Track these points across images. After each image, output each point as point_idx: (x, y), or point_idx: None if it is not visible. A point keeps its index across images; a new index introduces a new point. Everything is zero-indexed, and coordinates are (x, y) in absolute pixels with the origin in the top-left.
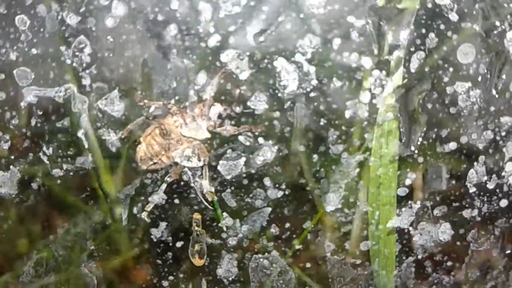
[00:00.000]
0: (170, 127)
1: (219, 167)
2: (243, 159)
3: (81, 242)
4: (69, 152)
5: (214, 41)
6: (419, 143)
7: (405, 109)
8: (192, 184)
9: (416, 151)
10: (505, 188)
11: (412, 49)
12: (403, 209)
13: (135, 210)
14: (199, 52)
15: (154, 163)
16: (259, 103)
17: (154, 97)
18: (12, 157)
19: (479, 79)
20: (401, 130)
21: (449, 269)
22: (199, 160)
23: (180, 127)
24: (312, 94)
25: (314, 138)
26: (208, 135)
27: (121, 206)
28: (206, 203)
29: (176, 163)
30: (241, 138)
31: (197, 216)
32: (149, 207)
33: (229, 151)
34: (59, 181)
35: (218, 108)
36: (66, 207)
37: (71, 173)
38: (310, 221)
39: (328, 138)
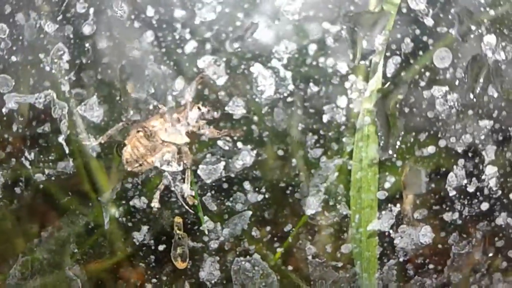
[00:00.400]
0: (155, 129)
1: (199, 172)
2: (223, 163)
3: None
4: (51, 157)
5: (190, 47)
6: (397, 147)
7: (383, 113)
8: (172, 188)
9: (394, 155)
10: (486, 191)
11: (388, 54)
12: (383, 212)
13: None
14: (176, 58)
15: (140, 165)
16: (237, 108)
17: (132, 103)
18: None
19: (456, 83)
20: (379, 134)
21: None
22: (179, 165)
23: (164, 131)
24: (289, 99)
25: (292, 142)
26: (187, 140)
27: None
28: (187, 207)
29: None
30: (220, 142)
31: (178, 219)
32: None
33: (208, 155)
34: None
35: (196, 113)
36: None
37: (61, 176)
38: (291, 224)
39: (306, 143)
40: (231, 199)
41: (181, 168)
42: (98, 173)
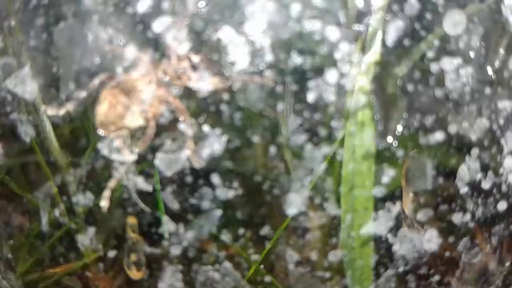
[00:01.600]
0: (136, 84)
1: (157, 162)
2: (186, 151)
3: None
4: None
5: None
6: (398, 133)
7: (381, 91)
8: (125, 182)
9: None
10: (504, 188)
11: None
12: (380, 212)
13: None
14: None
15: (118, 128)
16: (202, 83)
17: (72, 74)
18: None
19: (472, 54)
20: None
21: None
22: (132, 152)
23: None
24: (267, 73)
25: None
26: (141, 122)
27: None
28: (142, 205)
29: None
30: (182, 126)
31: (132, 220)
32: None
33: (168, 142)
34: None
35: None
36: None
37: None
38: (269, 227)
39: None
40: (196, 195)
41: (134, 157)
42: None
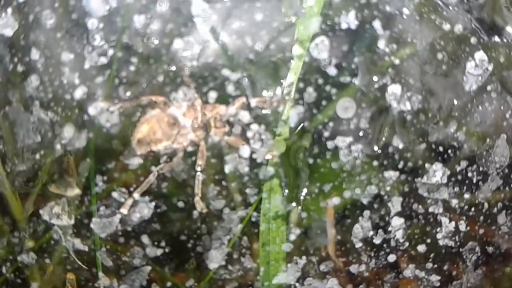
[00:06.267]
0: (178, 119)
1: (92, 225)
2: (118, 216)
3: None
4: None
5: (80, 93)
6: (302, 197)
7: (287, 164)
8: (63, 243)
9: (300, 207)
10: (393, 243)
11: (291, 104)
12: (289, 264)
13: None
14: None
15: (151, 152)
16: (132, 158)
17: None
18: None
19: (361, 134)
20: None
21: None
22: (70, 218)
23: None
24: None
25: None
26: (79, 192)
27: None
28: (80, 263)
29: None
30: (115, 194)
31: (71, 276)
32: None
33: (102, 208)
34: None
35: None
36: None
37: None
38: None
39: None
40: (128, 254)
41: (72, 221)
42: None
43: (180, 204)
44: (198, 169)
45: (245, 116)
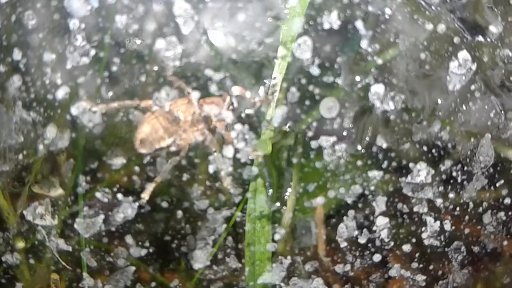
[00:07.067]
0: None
1: (75, 226)
2: (102, 216)
3: None
4: None
5: (62, 93)
6: (286, 197)
7: (271, 164)
8: (47, 244)
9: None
10: (378, 243)
11: (274, 104)
12: (274, 264)
13: None
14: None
15: (156, 150)
16: (115, 158)
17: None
18: None
19: (344, 133)
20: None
21: None
22: (54, 218)
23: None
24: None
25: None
26: (62, 192)
27: None
28: (64, 263)
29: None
30: (98, 194)
31: (54, 276)
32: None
33: (86, 208)
34: None
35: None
36: None
37: None
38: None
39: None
40: (112, 254)
41: (55, 222)
42: None
43: (164, 204)
44: (215, 154)
45: (229, 116)
